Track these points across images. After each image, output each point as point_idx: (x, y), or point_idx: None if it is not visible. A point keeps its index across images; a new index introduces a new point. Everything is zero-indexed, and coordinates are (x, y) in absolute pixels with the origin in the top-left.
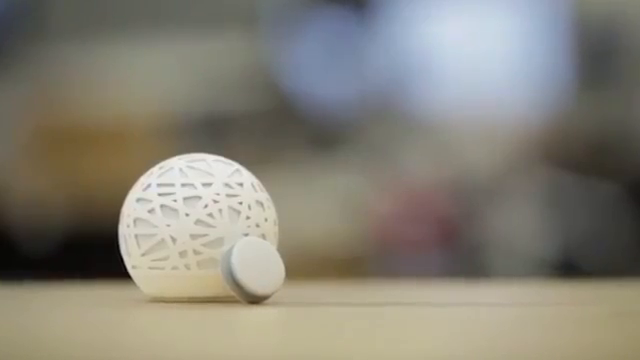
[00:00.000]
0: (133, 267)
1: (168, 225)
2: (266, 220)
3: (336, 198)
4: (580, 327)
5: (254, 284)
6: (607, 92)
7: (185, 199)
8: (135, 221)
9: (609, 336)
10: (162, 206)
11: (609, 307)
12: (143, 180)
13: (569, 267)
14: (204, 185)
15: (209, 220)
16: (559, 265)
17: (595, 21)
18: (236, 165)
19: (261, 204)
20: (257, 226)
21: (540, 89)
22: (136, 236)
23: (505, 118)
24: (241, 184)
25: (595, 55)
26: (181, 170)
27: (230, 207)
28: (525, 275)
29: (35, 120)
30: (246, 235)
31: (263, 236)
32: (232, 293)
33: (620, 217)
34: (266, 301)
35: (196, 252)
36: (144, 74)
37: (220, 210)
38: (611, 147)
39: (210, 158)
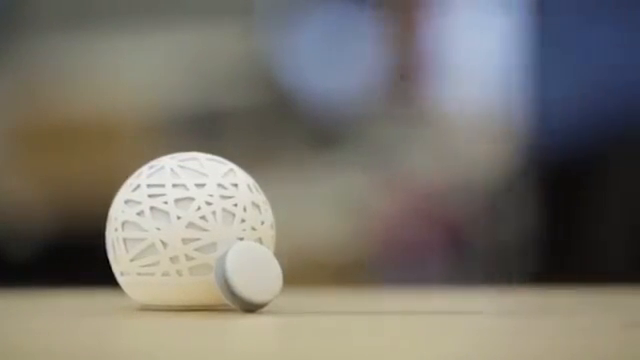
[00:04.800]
0: (121, 273)
1: (158, 229)
2: (262, 223)
3: (337, 200)
4: (590, 337)
5: (250, 291)
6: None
7: (176, 201)
8: (123, 224)
9: (621, 347)
10: (152, 208)
11: (621, 317)
12: (132, 181)
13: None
14: (197, 186)
15: (202, 223)
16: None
17: None
18: (230, 164)
19: (257, 206)
20: (253, 229)
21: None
22: (124, 240)
23: (514, 117)
24: (236, 185)
25: None
26: (172, 170)
27: (224, 209)
28: (534, 281)
29: (16, 117)
30: (241, 239)
31: (259, 240)
32: (226, 301)
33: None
34: (263, 309)
35: (188, 257)
36: (133, 68)
37: (214, 212)
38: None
39: (203, 157)
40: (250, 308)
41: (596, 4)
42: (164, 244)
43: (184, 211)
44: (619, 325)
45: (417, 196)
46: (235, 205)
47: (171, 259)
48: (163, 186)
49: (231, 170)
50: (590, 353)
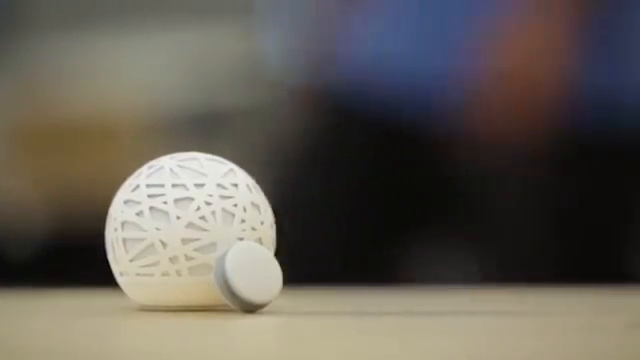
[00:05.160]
0: (121, 273)
1: (158, 229)
2: (262, 223)
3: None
4: (593, 337)
5: (250, 292)
6: None
7: (176, 201)
8: (123, 224)
9: (624, 348)
10: (151, 208)
11: (624, 317)
12: (131, 181)
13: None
14: (196, 186)
15: (202, 223)
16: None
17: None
18: (230, 164)
19: (257, 206)
20: (253, 230)
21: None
22: (124, 240)
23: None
24: (235, 185)
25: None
26: (172, 170)
27: (224, 209)
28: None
29: (16, 117)
30: (241, 239)
31: (259, 240)
32: (226, 301)
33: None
34: (263, 310)
35: (188, 257)
36: (133, 68)
37: (213, 212)
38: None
39: (203, 157)
40: (250, 309)
41: None
42: (163, 244)
43: (184, 211)
44: (620, 325)
45: None
46: (235, 205)
47: (170, 259)
48: (162, 186)
49: (231, 170)
50: (589, 353)
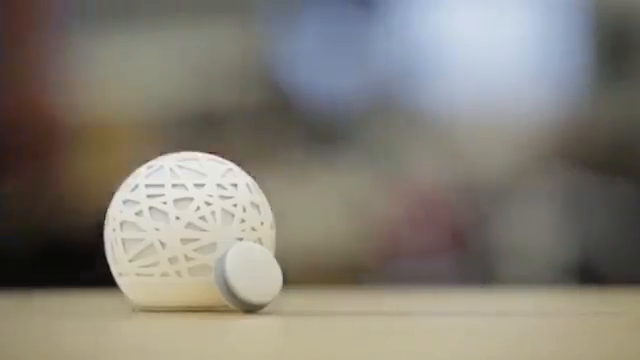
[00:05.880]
0: (120, 274)
1: (157, 229)
2: (262, 223)
3: (338, 200)
4: (598, 338)
5: (249, 292)
6: (627, 89)
7: (175, 201)
8: (122, 225)
9: (628, 348)
10: (151, 208)
11: (629, 317)
12: (130, 180)
13: (587, 273)
14: (196, 186)
15: (201, 224)
16: (577, 271)
17: (614, 15)
18: (229, 164)
19: (256, 206)
20: (252, 230)
21: (557, 84)
22: (123, 240)
23: (519, 115)
24: (235, 185)
25: (615, 50)
26: (171, 170)
27: (223, 209)
28: (540, 282)
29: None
30: (241, 240)
31: (259, 240)
32: (226, 302)
33: None
34: (262, 310)
35: (187, 258)
36: (131, 65)
37: (213, 213)
38: (632, 145)
39: (202, 157)
40: (249, 309)
41: None
42: (163, 244)
43: (183, 211)
44: (627, 325)
45: (421, 195)
46: (234, 205)
47: (170, 260)
48: (162, 186)
49: (230, 170)
50: (590, 353)
